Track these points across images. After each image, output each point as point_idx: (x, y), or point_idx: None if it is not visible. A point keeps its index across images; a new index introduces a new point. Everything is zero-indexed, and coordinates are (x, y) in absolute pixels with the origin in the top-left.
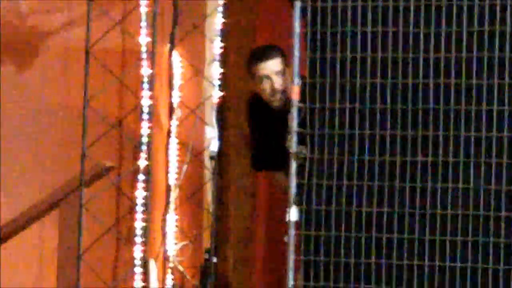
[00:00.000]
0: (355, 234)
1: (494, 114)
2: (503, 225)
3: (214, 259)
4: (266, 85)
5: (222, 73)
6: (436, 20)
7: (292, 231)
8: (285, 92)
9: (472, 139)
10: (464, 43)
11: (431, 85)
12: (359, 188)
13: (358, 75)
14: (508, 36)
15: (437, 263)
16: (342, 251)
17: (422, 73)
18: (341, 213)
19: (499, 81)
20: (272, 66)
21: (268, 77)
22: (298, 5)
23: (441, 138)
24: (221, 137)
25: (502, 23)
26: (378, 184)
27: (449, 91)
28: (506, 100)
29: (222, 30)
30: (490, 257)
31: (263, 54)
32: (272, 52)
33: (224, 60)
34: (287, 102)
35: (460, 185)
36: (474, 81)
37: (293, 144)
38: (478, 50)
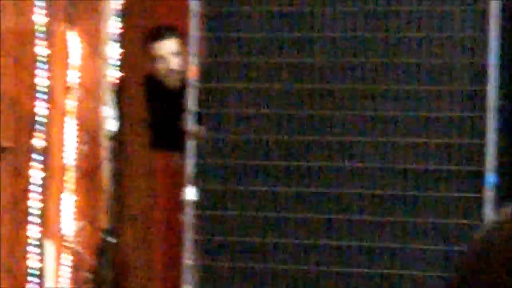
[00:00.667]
0: (251, 213)
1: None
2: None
3: (112, 239)
4: (162, 65)
5: (120, 53)
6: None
7: (188, 211)
8: (182, 72)
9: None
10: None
11: (328, 65)
12: (255, 167)
13: (255, 55)
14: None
15: (332, 242)
16: (239, 231)
17: (320, 57)
18: (237, 193)
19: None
20: (168, 46)
21: (164, 57)
22: None
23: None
24: (118, 117)
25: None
26: (273, 164)
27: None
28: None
29: (120, 10)
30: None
31: (158, 34)
32: (168, 32)
33: (123, 40)
34: (184, 82)
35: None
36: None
37: (189, 124)
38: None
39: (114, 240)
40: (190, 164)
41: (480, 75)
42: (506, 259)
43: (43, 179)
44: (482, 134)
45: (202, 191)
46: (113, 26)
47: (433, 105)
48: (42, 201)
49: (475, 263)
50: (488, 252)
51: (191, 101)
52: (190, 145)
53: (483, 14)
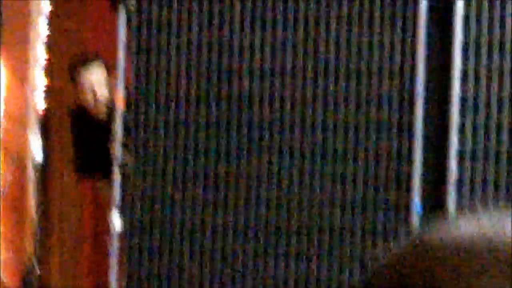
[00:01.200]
0: (179, 245)
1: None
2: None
3: (37, 268)
4: (88, 95)
5: (47, 82)
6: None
7: (114, 239)
8: (108, 101)
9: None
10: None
11: (256, 95)
12: (183, 196)
13: (183, 85)
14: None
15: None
16: (166, 257)
17: (248, 87)
18: (164, 222)
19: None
20: (94, 75)
21: (90, 86)
22: (123, 14)
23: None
24: (45, 147)
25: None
26: (202, 194)
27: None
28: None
29: (47, 38)
30: None
31: (84, 62)
32: (94, 60)
33: (49, 69)
34: (111, 110)
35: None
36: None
37: (117, 152)
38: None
39: (39, 270)
40: (116, 192)
41: (408, 104)
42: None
43: None
44: (409, 162)
45: (129, 219)
46: (40, 54)
47: (362, 134)
48: None
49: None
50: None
51: (118, 130)
52: (117, 172)
53: (412, 44)
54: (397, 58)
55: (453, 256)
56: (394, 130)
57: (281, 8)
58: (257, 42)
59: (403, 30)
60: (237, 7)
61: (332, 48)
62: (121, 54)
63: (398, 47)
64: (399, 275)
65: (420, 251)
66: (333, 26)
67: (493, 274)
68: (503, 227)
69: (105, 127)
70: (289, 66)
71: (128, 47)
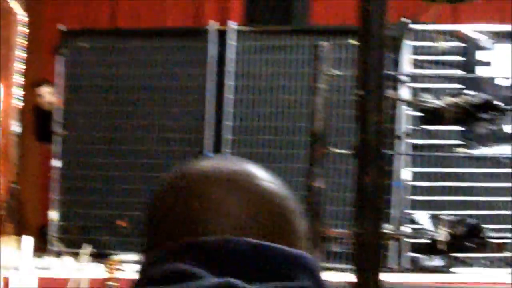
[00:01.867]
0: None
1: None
2: None
3: (17, 192)
4: (42, 99)
5: (22, 92)
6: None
7: (56, 175)
8: (51, 101)
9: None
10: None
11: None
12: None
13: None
14: None
15: None
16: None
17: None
18: (88, 164)
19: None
20: (45, 89)
21: (43, 95)
22: (59, 57)
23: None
24: (21, 125)
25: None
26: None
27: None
28: None
29: (22, 70)
30: None
31: (40, 83)
32: (45, 82)
33: (23, 85)
34: (52, 106)
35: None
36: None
37: (56, 128)
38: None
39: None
40: (57, 149)
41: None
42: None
43: None
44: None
45: (64, 164)
46: (18, 78)
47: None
48: None
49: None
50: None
51: (57, 117)
52: (56, 138)
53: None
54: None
55: (198, 183)
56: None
57: None
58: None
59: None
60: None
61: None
62: (58, 79)
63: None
64: (158, 200)
65: (174, 180)
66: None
67: (232, 199)
68: (238, 164)
69: (50, 115)
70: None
71: (65, 74)
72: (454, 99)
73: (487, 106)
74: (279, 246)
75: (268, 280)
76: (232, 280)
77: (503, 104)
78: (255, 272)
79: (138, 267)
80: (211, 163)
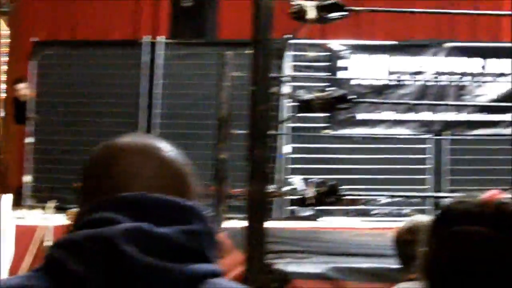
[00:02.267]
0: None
1: None
2: None
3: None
4: (20, 92)
5: (5, 87)
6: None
7: (29, 149)
8: (27, 95)
9: None
10: None
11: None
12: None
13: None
14: None
15: None
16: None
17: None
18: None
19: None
20: (22, 85)
21: (20, 89)
22: (32, 61)
23: None
24: (4, 112)
25: None
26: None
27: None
28: None
29: (4, 72)
30: None
31: (18, 80)
32: (22, 79)
33: (6, 82)
34: (28, 98)
35: None
36: None
37: (31, 114)
38: None
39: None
40: (31, 129)
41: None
42: None
43: None
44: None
45: (36, 139)
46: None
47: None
48: None
49: None
50: None
51: (31, 106)
52: (30, 123)
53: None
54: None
55: (118, 153)
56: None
57: None
58: None
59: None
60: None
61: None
62: (32, 77)
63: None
64: (89, 167)
65: (100, 151)
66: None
67: (144, 165)
68: (148, 140)
69: (25, 104)
70: None
71: (36, 74)
72: (320, 94)
73: (344, 99)
74: (179, 199)
75: (171, 224)
76: (143, 224)
77: (356, 97)
78: (161, 219)
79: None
80: (128, 139)
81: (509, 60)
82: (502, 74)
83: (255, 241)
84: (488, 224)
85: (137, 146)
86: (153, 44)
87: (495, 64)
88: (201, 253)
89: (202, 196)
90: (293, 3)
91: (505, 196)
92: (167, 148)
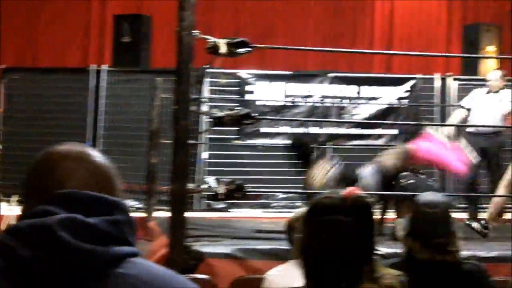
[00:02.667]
0: None
1: None
2: None
3: None
4: None
5: None
6: None
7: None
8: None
9: None
10: None
11: None
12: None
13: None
14: None
15: None
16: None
17: None
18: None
19: None
20: None
21: None
22: (2, 87)
23: None
24: None
25: None
26: None
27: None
28: None
29: None
30: None
31: None
32: None
33: None
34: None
35: None
36: None
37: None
38: None
39: None
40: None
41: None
42: None
43: None
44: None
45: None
46: None
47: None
48: None
49: None
50: None
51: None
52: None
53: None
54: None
55: (56, 158)
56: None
57: None
58: None
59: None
60: None
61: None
62: (1, 98)
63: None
64: (32, 169)
65: (42, 156)
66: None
67: (77, 168)
68: (81, 148)
69: None
70: None
71: (4, 94)
72: (230, 112)
73: (248, 116)
74: (105, 195)
75: (98, 215)
76: (76, 215)
77: (258, 115)
78: (90, 211)
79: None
80: (66, 147)
81: (378, 87)
82: (373, 98)
83: (177, 228)
84: (347, 214)
85: (73, 153)
86: (98, 71)
87: (367, 90)
88: (123, 238)
89: (124, 193)
90: (209, 40)
91: (360, 192)
92: (97, 155)
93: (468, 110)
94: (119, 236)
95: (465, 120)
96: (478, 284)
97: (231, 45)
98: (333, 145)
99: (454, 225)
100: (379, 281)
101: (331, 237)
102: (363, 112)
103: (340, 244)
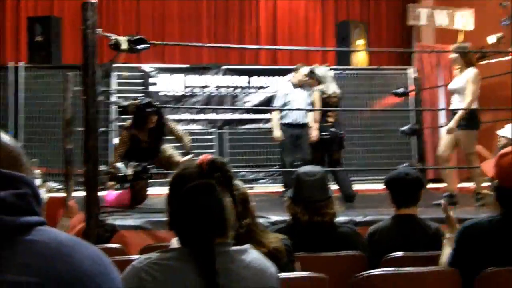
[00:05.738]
0: None
1: None
2: None
3: None
4: None
5: None
6: None
7: None
8: None
9: None
10: None
11: None
12: None
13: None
14: None
15: None
16: None
17: None
18: None
19: None
20: None
21: None
22: None
23: None
24: None
25: None
26: None
27: None
28: None
29: None
30: None
31: None
32: None
33: None
34: None
35: None
36: None
37: None
38: None
39: None
40: None
41: None
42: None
43: None
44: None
45: None
46: None
47: None
48: None
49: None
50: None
51: None
52: None
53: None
54: None
55: None
56: None
57: None
58: None
59: None
60: None
61: None
62: None
63: None
64: None
65: None
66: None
67: None
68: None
69: None
70: None
71: None
72: (134, 101)
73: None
74: (12, 172)
75: (6, 189)
76: None
77: (158, 103)
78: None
79: None
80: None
81: (266, 77)
82: (261, 87)
83: (91, 205)
84: (206, 176)
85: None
86: (16, 68)
87: (256, 81)
88: (29, 209)
89: (31, 170)
90: (111, 37)
91: (212, 156)
92: (3, 137)
93: None
94: (26, 207)
95: None
96: (351, 243)
97: (131, 42)
98: (229, 129)
99: (330, 191)
100: (266, 245)
101: (195, 202)
102: (253, 99)
103: (205, 206)
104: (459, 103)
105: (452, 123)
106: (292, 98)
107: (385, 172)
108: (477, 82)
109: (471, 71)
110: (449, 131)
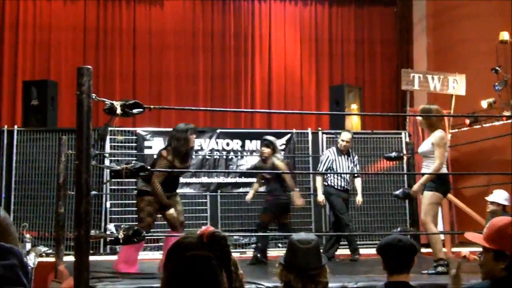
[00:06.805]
0: None
1: None
2: None
3: None
4: None
5: None
6: None
7: None
8: None
9: None
10: None
11: None
12: None
13: None
14: None
15: None
16: None
17: None
18: None
19: None
20: None
21: None
22: None
23: None
24: None
25: None
26: None
27: None
28: None
29: None
30: None
31: None
32: None
33: None
34: None
35: None
36: None
37: None
38: None
39: None
40: None
41: None
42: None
43: None
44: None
45: None
46: None
47: None
48: None
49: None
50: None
51: None
52: None
53: None
54: None
55: None
56: None
57: None
58: None
59: None
60: None
61: None
62: None
63: None
64: None
65: None
66: None
67: None
68: None
69: None
70: None
71: None
72: (126, 165)
73: (143, 169)
74: (0, 243)
75: None
76: None
77: (149, 167)
78: None
79: None
80: None
81: (259, 141)
82: (254, 151)
83: (81, 270)
84: (205, 248)
85: None
86: (10, 131)
87: (250, 144)
88: (16, 280)
89: (18, 241)
90: (106, 102)
91: (214, 229)
92: None
93: None
94: (14, 278)
95: None
96: None
97: (126, 107)
98: (222, 192)
99: (324, 259)
100: None
101: (191, 272)
102: (246, 163)
103: (200, 278)
104: (425, 167)
105: (416, 186)
106: None
107: (378, 237)
108: (443, 145)
109: (436, 134)
110: (414, 193)
